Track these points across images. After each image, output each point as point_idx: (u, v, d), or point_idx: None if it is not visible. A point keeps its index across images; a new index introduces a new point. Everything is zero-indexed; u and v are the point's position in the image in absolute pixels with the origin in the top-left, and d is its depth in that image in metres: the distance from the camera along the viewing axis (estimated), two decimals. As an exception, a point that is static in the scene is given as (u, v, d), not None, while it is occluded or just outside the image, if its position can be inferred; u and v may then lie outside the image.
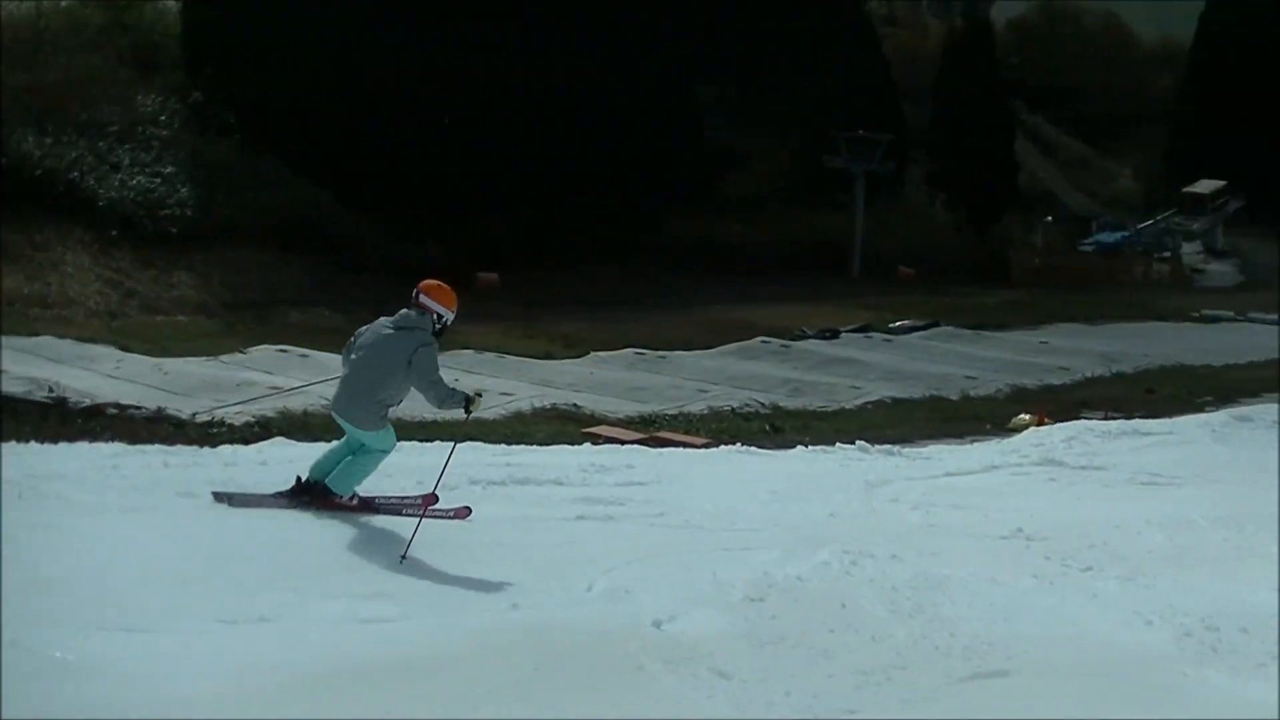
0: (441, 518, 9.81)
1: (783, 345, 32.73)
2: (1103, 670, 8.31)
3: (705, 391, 25.40)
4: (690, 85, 53.85)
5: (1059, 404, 25.32)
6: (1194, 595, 9.92)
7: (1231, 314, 56.45)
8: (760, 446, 17.13)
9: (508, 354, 28.23)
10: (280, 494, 9.60)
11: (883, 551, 10.66)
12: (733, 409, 23.05)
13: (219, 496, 9.61)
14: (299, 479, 9.61)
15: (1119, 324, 45.93)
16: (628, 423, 20.82)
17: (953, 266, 57.08)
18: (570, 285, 40.49)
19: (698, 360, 29.63)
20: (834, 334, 35.45)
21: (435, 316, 9.10)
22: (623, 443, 17.06)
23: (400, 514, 9.64)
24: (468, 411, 9.13)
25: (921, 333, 37.76)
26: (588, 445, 16.28)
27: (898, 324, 38.18)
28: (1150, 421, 21.40)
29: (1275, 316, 57.53)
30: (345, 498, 9.49)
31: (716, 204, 53.39)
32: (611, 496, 12.09)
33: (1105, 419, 22.39)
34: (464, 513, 9.91)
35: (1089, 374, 31.81)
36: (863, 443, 17.02)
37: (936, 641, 8.57)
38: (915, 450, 17.35)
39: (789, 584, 9.56)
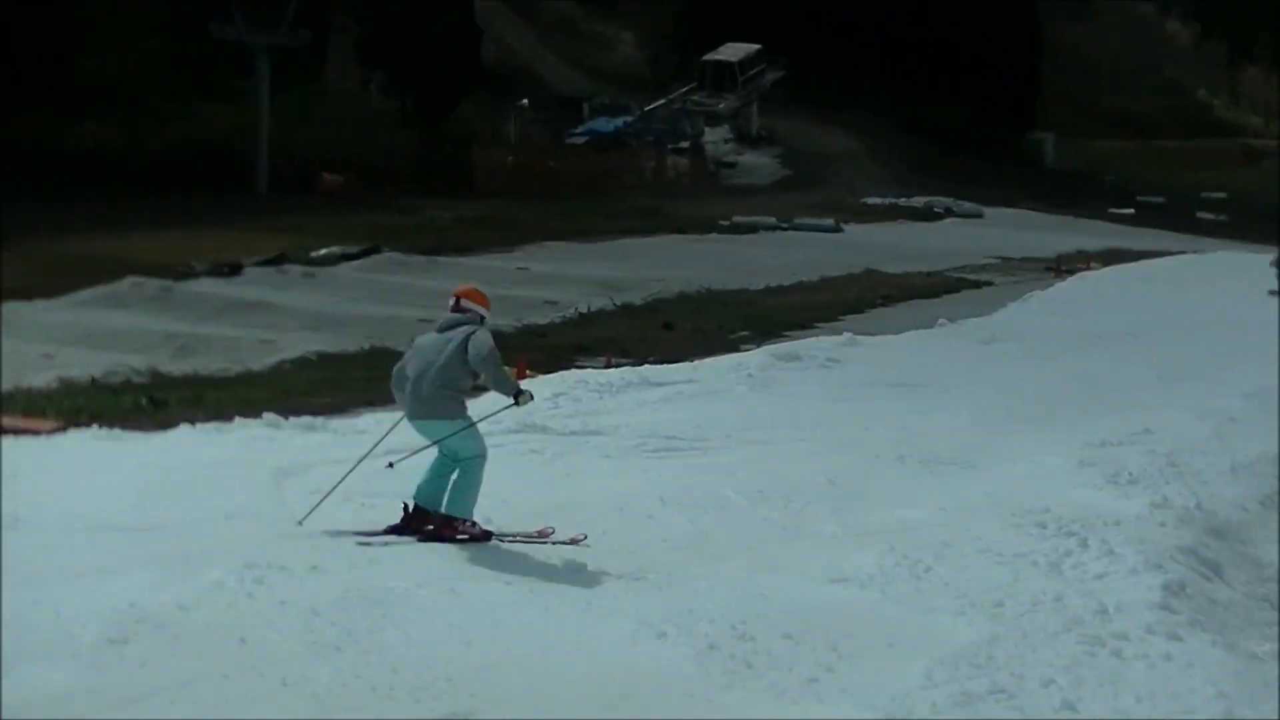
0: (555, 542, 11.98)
1: (163, 288, 32.16)
2: (600, 701, 8.71)
3: (56, 356, 24.68)
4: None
5: (545, 350, 26.33)
6: (723, 596, 10.66)
7: (773, 220, 60.55)
8: (133, 428, 16.87)
9: None
10: (393, 528, 11.88)
11: (300, 563, 10.79)
12: (94, 379, 22.58)
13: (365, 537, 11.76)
14: (407, 507, 11.94)
15: (623, 240, 48.15)
16: (-66, 406, 19.98)
17: (397, 172, 57.92)
18: None
19: (40, 314, 28.65)
20: (235, 269, 35.21)
21: (479, 318, 12.18)
22: (-81, 433, 16.40)
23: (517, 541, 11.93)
24: (517, 402, 11.95)
25: (357, 263, 38.12)
26: None
27: (324, 252, 38.38)
28: (668, 367, 22.71)
29: (830, 222, 62.45)
30: (469, 523, 11.87)
31: (64, 96, 51.35)
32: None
33: (607, 367, 23.54)
34: (579, 538, 12.14)
35: (584, 308, 33.26)
36: (274, 416, 17.12)
37: (374, 680, 8.75)
38: (349, 423, 17.57)
39: (166, 616, 9.52)
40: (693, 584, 10.99)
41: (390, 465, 12.01)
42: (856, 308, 35.83)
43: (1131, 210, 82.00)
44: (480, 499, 12.38)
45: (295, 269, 36.51)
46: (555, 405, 18.60)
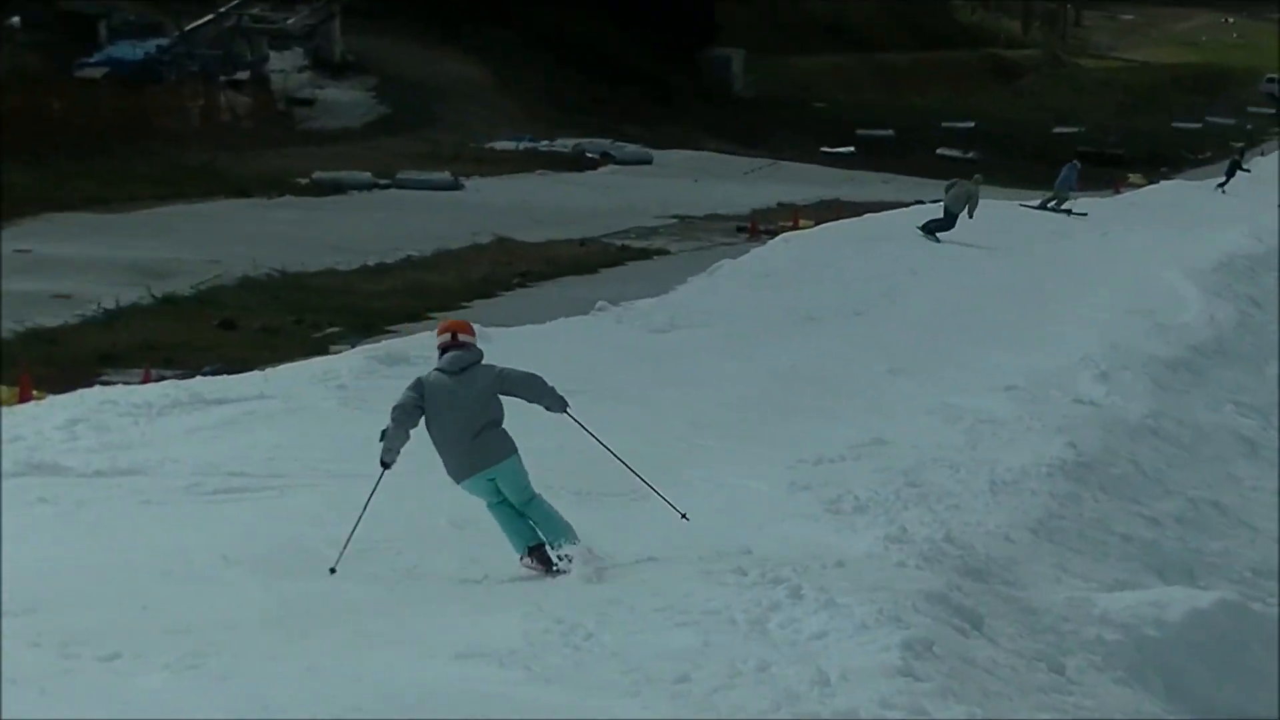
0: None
1: None
2: None
3: None
4: None
5: (57, 362, 25.94)
6: (312, 684, 10.58)
7: (368, 177, 60.38)
8: None
9: None
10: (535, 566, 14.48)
11: None
12: None
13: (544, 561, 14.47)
14: (534, 553, 14.38)
15: (163, 208, 47.57)
16: None
17: None
18: None
19: None
20: None
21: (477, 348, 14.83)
22: None
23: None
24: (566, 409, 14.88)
25: None
26: None
27: None
28: (230, 380, 22.58)
29: (445, 176, 62.31)
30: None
31: None
32: None
33: (145, 381, 23.31)
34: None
35: (111, 303, 32.82)
36: None
37: None
38: None
39: None
40: (270, 670, 10.95)
41: None
42: (485, 290, 36.11)
43: (850, 149, 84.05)
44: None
45: None
46: (73, 436, 18.34)
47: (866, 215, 49.96)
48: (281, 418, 20.11)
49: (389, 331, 29.62)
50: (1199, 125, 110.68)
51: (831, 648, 11.40)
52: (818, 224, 47.63)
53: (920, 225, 41.48)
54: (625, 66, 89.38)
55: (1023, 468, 17.66)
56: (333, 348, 27.65)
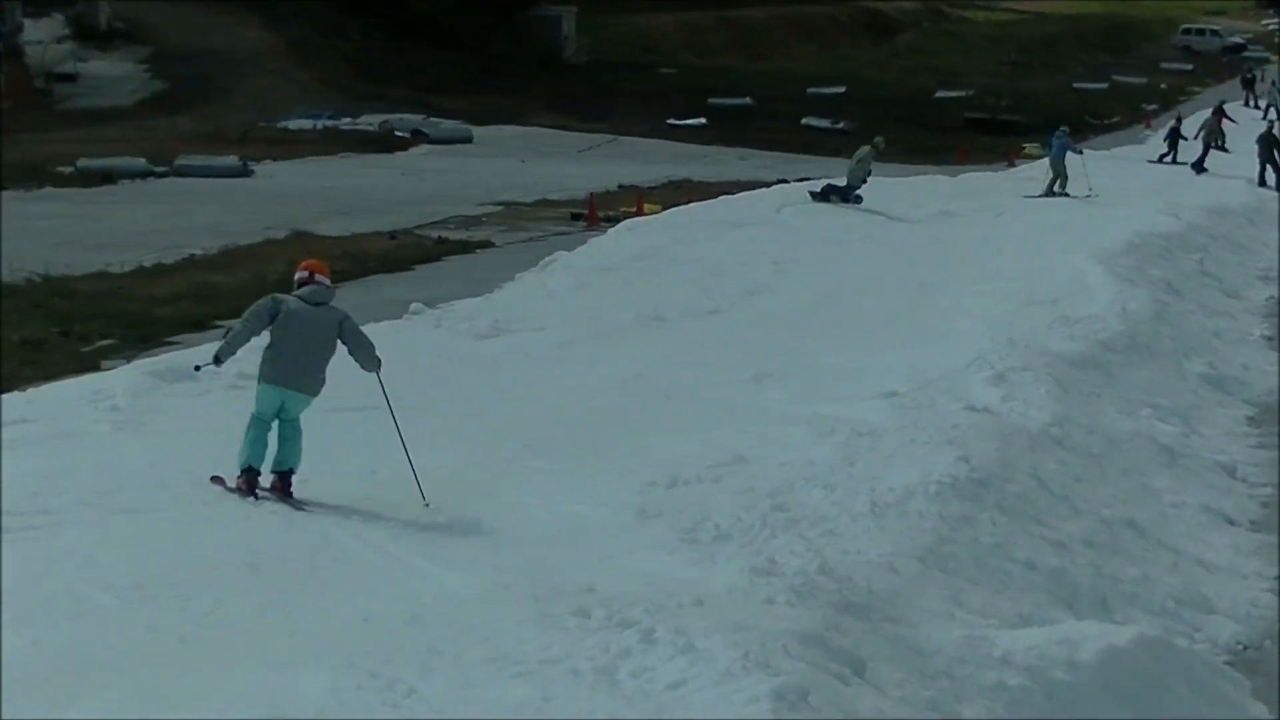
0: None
1: None
2: None
3: None
4: None
5: None
6: None
7: (143, 162, 59.86)
8: None
9: None
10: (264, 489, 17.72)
11: None
12: None
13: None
14: (246, 472, 17.64)
15: None
16: None
17: None
18: None
19: None
20: None
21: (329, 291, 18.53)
22: None
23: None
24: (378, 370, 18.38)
25: None
26: None
27: None
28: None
29: (232, 160, 61.96)
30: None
31: None
32: None
33: None
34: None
35: None
36: None
37: None
38: None
39: None
40: (39, 735, 10.90)
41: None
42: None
43: (702, 120, 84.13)
44: None
45: None
46: None
47: (722, 197, 49.88)
48: (47, 444, 19.91)
49: (170, 343, 29.34)
50: (1104, 86, 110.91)
51: (690, 699, 11.44)
52: (666, 208, 47.66)
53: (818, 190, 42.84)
54: (441, 30, 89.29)
55: (908, 486, 17.66)
56: (105, 363, 27.39)
